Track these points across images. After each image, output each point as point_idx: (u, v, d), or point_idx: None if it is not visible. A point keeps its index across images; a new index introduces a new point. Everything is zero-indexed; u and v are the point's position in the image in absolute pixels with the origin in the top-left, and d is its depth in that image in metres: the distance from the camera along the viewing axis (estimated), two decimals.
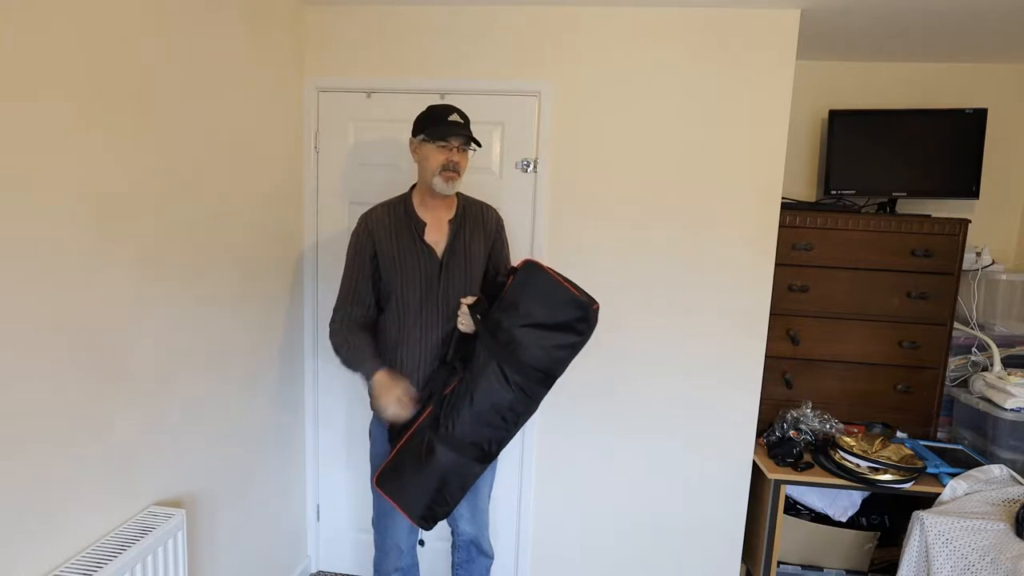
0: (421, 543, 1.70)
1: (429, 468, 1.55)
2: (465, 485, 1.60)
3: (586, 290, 1.58)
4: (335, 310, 1.73)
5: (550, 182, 2.11)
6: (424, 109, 1.69)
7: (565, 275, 1.59)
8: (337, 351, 1.69)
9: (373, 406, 1.67)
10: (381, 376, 1.61)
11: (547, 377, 1.56)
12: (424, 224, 1.69)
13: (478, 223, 1.76)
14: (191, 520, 1.60)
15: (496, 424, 1.55)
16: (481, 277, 1.76)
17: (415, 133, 1.67)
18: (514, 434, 1.61)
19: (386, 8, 2.08)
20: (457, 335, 1.65)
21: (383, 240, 1.67)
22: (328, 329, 1.73)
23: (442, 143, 1.62)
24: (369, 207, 2.15)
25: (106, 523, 1.31)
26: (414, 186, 1.75)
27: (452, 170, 1.63)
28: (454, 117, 1.64)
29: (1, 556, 1.07)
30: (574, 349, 1.56)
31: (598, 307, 1.57)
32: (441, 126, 1.62)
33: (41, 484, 1.15)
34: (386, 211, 1.72)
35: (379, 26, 2.10)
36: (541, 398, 1.59)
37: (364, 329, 1.71)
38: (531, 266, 1.57)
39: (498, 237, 1.83)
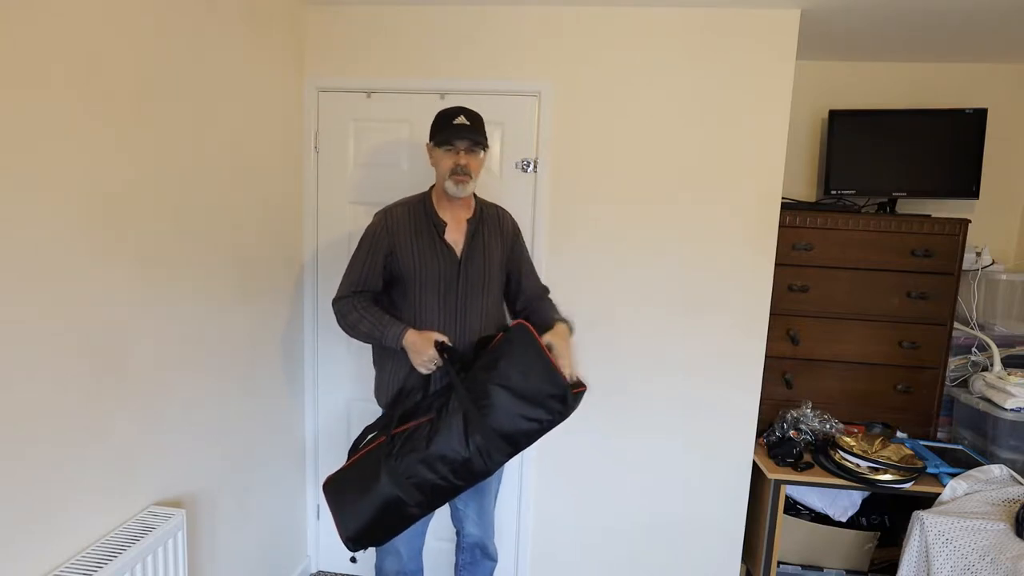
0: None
1: (371, 494, 1.50)
2: (399, 524, 1.52)
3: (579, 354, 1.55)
4: (341, 293, 1.70)
5: (550, 182, 2.11)
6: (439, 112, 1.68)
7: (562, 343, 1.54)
8: (356, 326, 1.65)
9: (414, 363, 1.62)
10: (411, 334, 1.60)
11: (509, 446, 1.49)
12: (444, 224, 1.68)
13: (495, 225, 1.77)
14: (191, 520, 1.60)
15: (441, 473, 1.48)
16: (498, 278, 1.76)
17: (429, 137, 1.68)
18: (463, 489, 1.53)
19: (386, 8, 2.08)
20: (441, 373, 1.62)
21: (402, 239, 1.66)
22: (334, 309, 1.70)
23: (448, 147, 1.62)
24: (368, 207, 2.18)
25: (106, 523, 1.31)
26: (433, 186, 1.75)
27: (461, 173, 1.62)
28: (460, 120, 1.63)
29: (1, 556, 1.07)
30: (542, 426, 1.50)
31: (582, 391, 1.51)
32: (446, 130, 1.62)
33: (41, 484, 1.15)
34: (406, 210, 1.71)
35: (379, 26, 2.10)
36: (498, 466, 1.53)
37: (375, 304, 1.69)
38: (522, 330, 1.53)
39: (516, 241, 1.83)
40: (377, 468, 1.51)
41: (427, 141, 1.70)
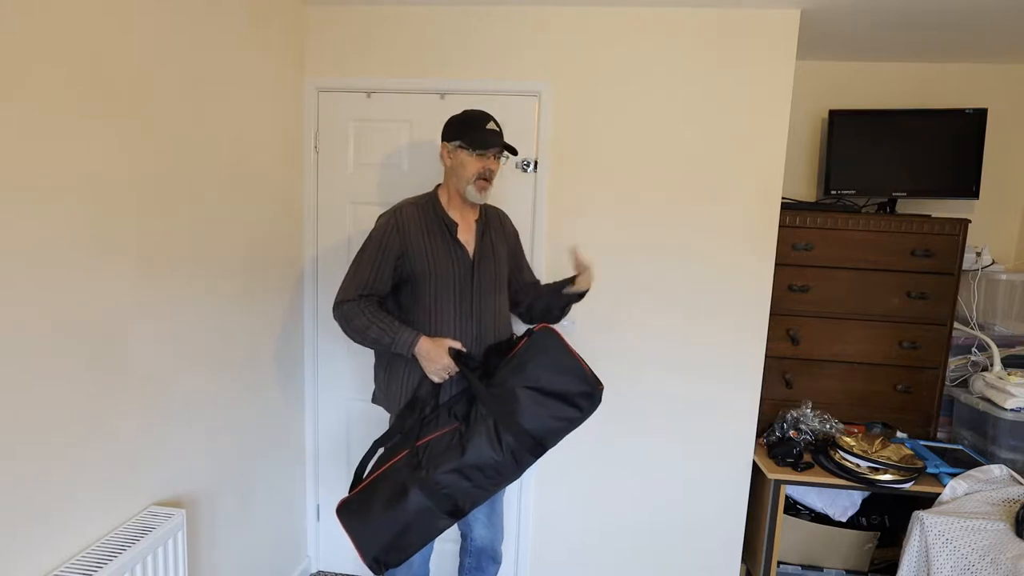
0: None
1: (396, 510, 1.48)
2: (426, 537, 1.52)
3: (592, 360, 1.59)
4: (345, 295, 1.63)
5: (550, 182, 2.11)
6: (459, 113, 1.66)
7: (574, 346, 1.59)
8: (364, 332, 1.59)
9: (426, 370, 1.61)
10: (425, 342, 1.58)
11: (538, 446, 1.51)
12: (456, 224, 1.67)
13: (498, 226, 1.78)
14: (191, 520, 1.60)
15: (476, 480, 1.49)
16: (506, 278, 1.77)
17: (449, 138, 1.64)
18: (491, 495, 1.54)
19: (386, 8, 2.09)
20: (456, 380, 1.63)
21: (415, 240, 1.62)
22: (336, 313, 1.63)
23: (481, 152, 1.60)
24: (368, 207, 2.18)
25: (106, 523, 1.31)
26: (439, 186, 1.73)
27: (487, 179, 1.62)
28: (491, 125, 1.62)
29: (1, 556, 1.08)
30: (571, 424, 1.53)
31: (603, 388, 1.56)
32: (480, 134, 1.60)
33: (41, 484, 1.15)
34: (416, 210, 1.67)
35: (379, 26, 2.10)
36: (527, 467, 1.54)
37: (381, 308, 1.65)
38: (547, 332, 1.56)
39: (516, 241, 1.86)
40: (404, 484, 1.49)
41: (445, 141, 1.65)
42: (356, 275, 1.64)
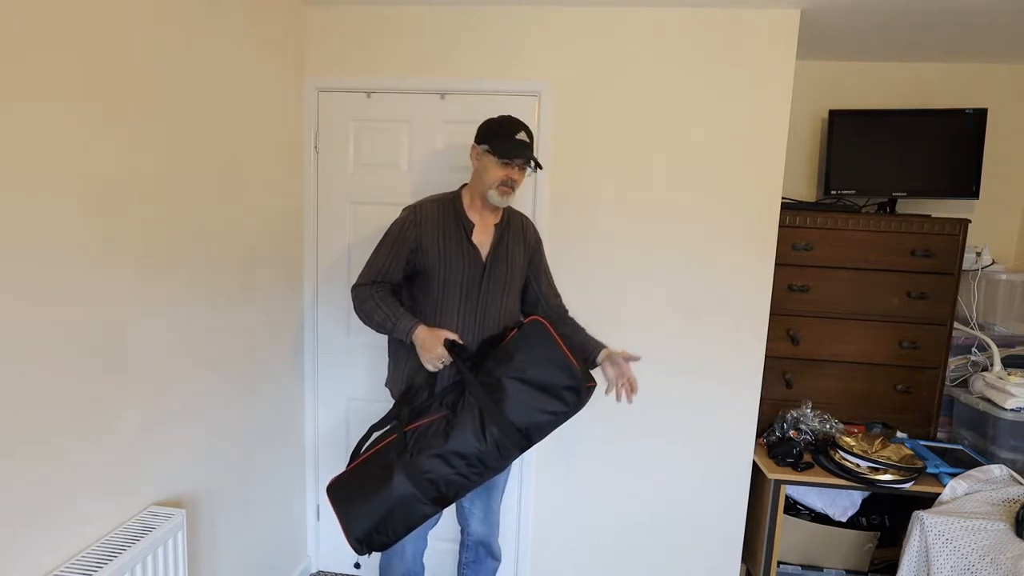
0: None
1: (382, 493, 1.50)
2: (410, 524, 1.53)
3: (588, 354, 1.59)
4: (361, 280, 1.70)
5: (550, 182, 2.11)
6: (495, 117, 1.69)
7: (568, 341, 1.60)
8: (371, 314, 1.65)
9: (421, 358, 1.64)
10: (422, 330, 1.61)
11: (524, 439, 1.52)
12: (473, 225, 1.69)
13: (519, 232, 1.78)
14: (191, 520, 1.60)
15: (459, 468, 1.51)
16: (518, 283, 1.77)
17: (479, 140, 1.67)
18: (476, 484, 1.55)
19: (386, 8, 2.08)
20: (452, 370, 1.64)
21: (430, 235, 1.67)
22: (352, 295, 1.70)
23: (506, 160, 1.62)
24: (368, 207, 2.18)
25: (106, 523, 1.31)
26: (464, 186, 1.76)
27: (509, 186, 1.64)
28: (522, 136, 1.63)
29: (1, 556, 1.07)
30: (557, 418, 1.53)
31: (593, 386, 1.55)
32: (508, 143, 1.62)
33: (41, 484, 1.15)
34: (436, 207, 1.71)
35: (379, 26, 2.10)
36: (513, 459, 1.56)
37: (393, 295, 1.70)
38: (537, 324, 1.58)
39: (537, 250, 1.85)
40: (390, 466, 1.51)
41: (476, 143, 1.68)
42: (373, 262, 1.71)
